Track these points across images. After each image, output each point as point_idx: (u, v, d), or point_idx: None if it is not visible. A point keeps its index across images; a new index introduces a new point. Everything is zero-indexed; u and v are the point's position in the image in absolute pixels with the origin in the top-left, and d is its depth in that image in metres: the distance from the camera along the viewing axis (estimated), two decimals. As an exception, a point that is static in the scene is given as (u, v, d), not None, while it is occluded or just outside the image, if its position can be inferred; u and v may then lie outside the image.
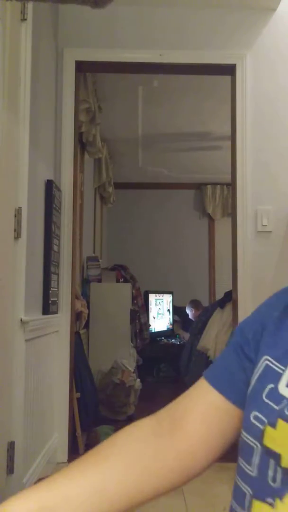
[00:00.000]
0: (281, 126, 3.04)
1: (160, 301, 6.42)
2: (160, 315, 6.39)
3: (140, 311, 5.33)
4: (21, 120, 2.17)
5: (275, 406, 0.60)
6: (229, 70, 3.10)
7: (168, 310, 6.60)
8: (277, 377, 0.62)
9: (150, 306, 6.04)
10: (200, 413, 0.69)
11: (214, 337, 3.62)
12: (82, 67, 3.14)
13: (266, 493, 0.58)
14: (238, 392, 0.67)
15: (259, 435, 0.60)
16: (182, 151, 5.77)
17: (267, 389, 0.62)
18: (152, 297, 6.15)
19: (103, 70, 3.47)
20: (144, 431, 0.70)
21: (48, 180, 2.73)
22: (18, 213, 2.13)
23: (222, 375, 0.70)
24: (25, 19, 2.18)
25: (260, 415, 0.61)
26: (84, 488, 0.62)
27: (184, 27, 3.09)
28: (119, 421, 3.85)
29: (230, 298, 3.38)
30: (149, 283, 6.18)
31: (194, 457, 0.68)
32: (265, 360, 0.65)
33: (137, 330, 5.16)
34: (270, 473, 0.59)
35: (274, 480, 0.58)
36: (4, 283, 1.99)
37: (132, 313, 4.51)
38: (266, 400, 0.61)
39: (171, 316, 6.61)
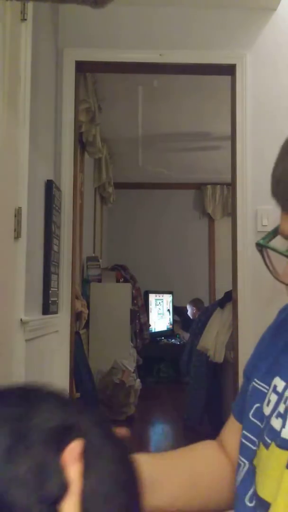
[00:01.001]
0: (281, 126, 3.04)
1: (160, 301, 6.42)
2: (160, 315, 6.39)
3: (140, 311, 5.33)
4: (21, 120, 2.17)
5: (260, 425, 0.61)
6: (229, 70, 3.09)
7: (168, 310, 6.60)
8: (263, 396, 0.62)
9: (150, 306, 6.04)
10: (233, 447, 0.69)
11: (214, 337, 3.62)
12: (82, 67, 3.14)
13: None
14: None
15: (251, 455, 0.61)
16: (182, 151, 5.77)
17: (253, 409, 0.63)
18: (152, 297, 6.15)
19: (103, 70, 3.47)
20: (214, 446, 0.74)
21: (48, 180, 2.73)
22: (18, 213, 2.13)
23: (239, 405, 0.71)
24: (25, 19, 2.18)
25: (249, 435, 0.62)
26: (182, 472, 0.67)
27: (184, 27, 3.09)
28: (119, 421, 3.85)
29: (230, 298, 3.38)
30: (149, 283, 6.19)
31: None
32: (253, 382, 0.65)
33: (137, 330, 5.17)
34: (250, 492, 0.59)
35: (251, 500, 0.59)
36: (4, 283, 1.99)
37: (132, 313, 4.51)
38: (252, 419, 0.62)
39: (171, 316, 6.61)
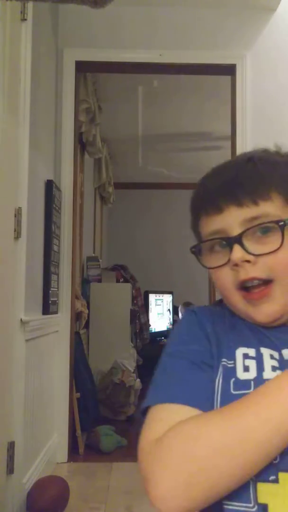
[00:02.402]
0: (281, 126, 3.04)
1: (160, 301, 6.42)
2: (160, 315, 6.39)
3: (140, 311, 5.33)
4: (21, 120, 2.17)
5: (248, 391, 0.63)
6: (229, 70, 3.09)
7: (168, 310, 6.60)
8: (233, 370, 0.67)
9: (150, 306, 6.04)
10: None
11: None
12: (82, 67, 3.14)
13: (267, 473, 0.60)
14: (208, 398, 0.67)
15: None
16: (182, 151, 5.77)
17: (231, 384, 0.66)
18: (152, 297, 6.15)
19: (103, 70, 3.47)
20: None
21: (48, 180, 2.73)
22: (18, 213, 2.13)
23: (191, 392, 0.67)
24: (25, 19, 2.18)
25: None
26: None
27: (184, 27, 3.09)
28: (119, 421, 3.85)
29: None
30: (149, 283, 6.18)
31: None
32: (222, 362, 0.69)
33: (137, 330, 5.16)
34: None
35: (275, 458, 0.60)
36: (4, 283, 1.99)
37: (132, 313, 4.51)
38: (236, 392, 0.65)
39: (171, 316, 6.61)
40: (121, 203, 6.63)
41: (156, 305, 6.28)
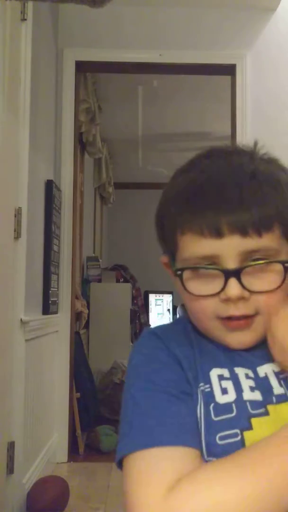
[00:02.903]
0: (282, 126, 3.04)
1: (160, 301, 6.42)
2: (160, 315, 6.39)
3: (140, 311, 5.33)
4: (21, 120, 2.17)
5: (231, 415, 0.61)
6: (229, 70, 3.09)
7: (168, 310, 6.61)
8: (211, 394, 0.63)
9: (150, 306, 6.04)
10: None
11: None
12: (82, 67, 3.14)
13: None
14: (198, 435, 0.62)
15: (239, 445, 0.59)
16: (182, 151, 5.76)
17: (211, 409, 0.62)
18: (152, 297, 6.15)
19: (103, 70, 3.47)
20: None
21: (48, 180, 2.73)
22: (18, 213, 2.14)
23: (184, 428, 0.61)
24: (25, 19, 2.18)
25: (225, 433, 0.60)
26: None
27: (184, 27, 3.08)
28: (119, 421, 3.85)
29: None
30: (149, 283, 6.18)
31: None
32: (200, 388, 0.64)
33: (137, 330, 5.17)
34: None
35: None
36: (4, 283, 1.99)
37: (132, 313, 4.51)
38: (218, 418, 0.61)
39: (171, 316, 6.62)
40: (121, 203, 6.64)
41: (156, 305, 6.28)
